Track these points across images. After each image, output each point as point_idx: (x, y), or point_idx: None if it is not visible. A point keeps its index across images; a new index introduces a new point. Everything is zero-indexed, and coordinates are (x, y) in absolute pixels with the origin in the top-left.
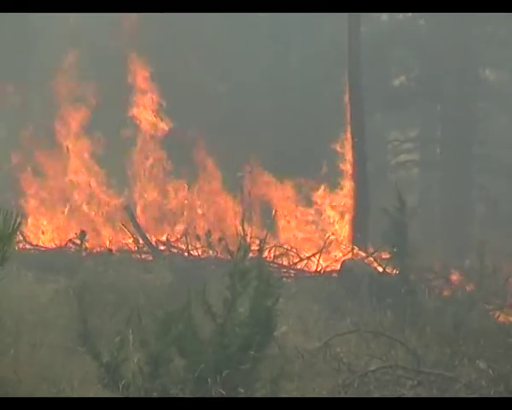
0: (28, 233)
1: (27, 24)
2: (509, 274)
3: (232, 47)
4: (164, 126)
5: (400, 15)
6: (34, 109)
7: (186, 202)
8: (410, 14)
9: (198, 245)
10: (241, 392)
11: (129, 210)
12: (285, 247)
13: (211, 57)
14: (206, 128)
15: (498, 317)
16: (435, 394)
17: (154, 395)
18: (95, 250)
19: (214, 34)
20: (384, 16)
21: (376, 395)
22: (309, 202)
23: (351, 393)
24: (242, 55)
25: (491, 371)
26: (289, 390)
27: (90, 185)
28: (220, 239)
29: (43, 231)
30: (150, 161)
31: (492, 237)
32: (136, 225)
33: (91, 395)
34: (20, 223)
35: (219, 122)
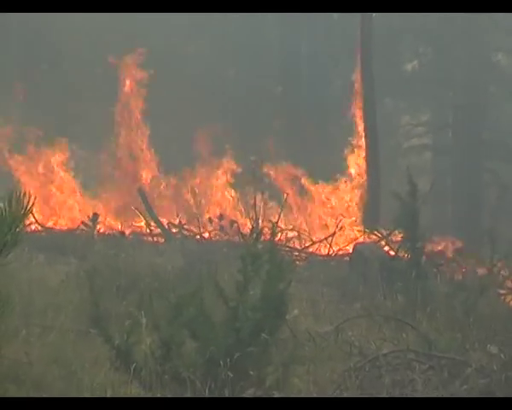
0: (40, 215)
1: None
2: None
3: (243, 35)
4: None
5: None
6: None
7: (197, 189)
8: None
9: (210, 228)
10: (252, 376)
11: (142, 193)
12: (297, 230)
13: (223, 45)
14: (220, 115)
15: (510, 301)
16: (446, 377)
17: (166, 377)
18: (107, 233)
19: (227, 23)
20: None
21: (387, 380)
22: (321, 187)
23: (362, 376)
24: (254, 44)
25: (502, 355)
26: (300, 374)
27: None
28: (232, 222)
29: (55, 212)
30: (164, 145)
31: (503, 222)
32: (149, 208)
33: (102, 377)
34: (32, 204)
35: (233, 109)
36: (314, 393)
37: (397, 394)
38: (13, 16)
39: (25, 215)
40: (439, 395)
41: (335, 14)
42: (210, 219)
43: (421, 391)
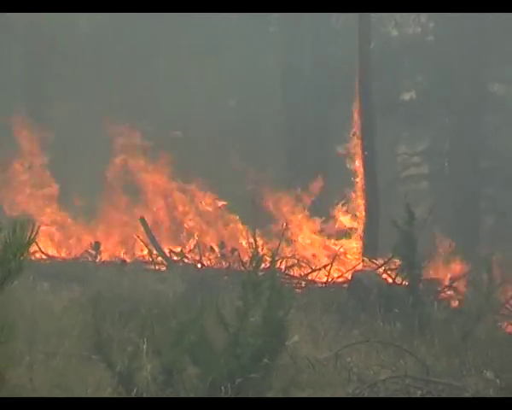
0: (43, 244)
1: None
2: None
3: (242, 56)
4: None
5: (410, 30)
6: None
7: (199, 217)
8: (419, 29)
9: (211, 256)
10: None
11: (144, 222)
12: (296, 258)
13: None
14: (216, 142)
15: (506, 327)
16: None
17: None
18: (109, 260)
19: (226, 45)
20: (394, 31)
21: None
22: (321, 215)
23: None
24: (252, 66)
25: (498, 381)
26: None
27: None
28: (233, 250)
29: (58, 241)
30: (164, 175)
31: (500, 249)
32: (151, 236)
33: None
34: (36, 233)
35: (229, 135)
36: None
37: None
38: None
39: (29, 244)
40: None
41: (335, 46)
42: (211, 247)
43: None
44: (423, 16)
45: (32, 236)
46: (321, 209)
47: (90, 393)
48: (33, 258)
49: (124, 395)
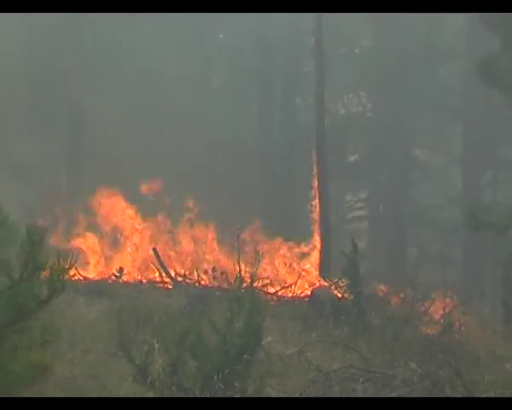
0: (81, 268)
1: None
2: (434, 299)
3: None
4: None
5: (354, 110)
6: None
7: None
8: (360, 108)
9: (206, 277)
10: (237, 386)
11: (156, 252)
12: (270, 278)
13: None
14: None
15: (425, 330)
16: (379, 387)
17: (173, 388)
18: (130, 281)
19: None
20: (342, 110)
21: (337, 389)
22: (289, 247)
23: (318, 387)
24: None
25: (420, 370)
26: (273, 385)
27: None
28: (222, 273)
29: (94, 264)
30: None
31: (421, 272)
32: (161, 263)
33: (126, 388)
34: (75, 260)
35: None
36: None
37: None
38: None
39: (69, 269)
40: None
41: (299, 122)
42: (205, 271)
43: (361, 397)
44: (364, 98)
45: (72, 262)
46: (289, 240)
47: (115, 381)
48: (73, 279)
49: (141, 383)
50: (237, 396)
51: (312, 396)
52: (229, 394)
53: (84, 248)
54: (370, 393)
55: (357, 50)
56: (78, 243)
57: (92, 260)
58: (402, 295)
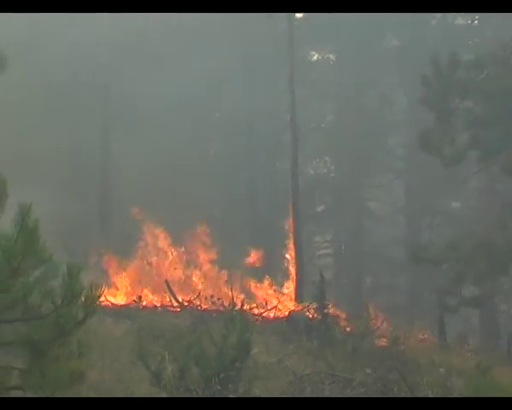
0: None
1: None
2: (384, 319)
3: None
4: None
5: (321, 171)
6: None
7: (201, 279)
8: (325, 170)
9: (206, 302)
10: (231, 387)
11: (167, 283)
12: (256, 303)
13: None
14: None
15: (377, 343)
16: (342, 387)
17: (181, 389)
18: (147, 305)
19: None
20: (311, 171)
21: (309, 390)
22: (270, 276)
23: (294, 388)
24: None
25: (373, 374)
26: (259, 386)
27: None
28: (219, 299)
29: (120, 292)
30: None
31: (375, 298)
32: (171, 291)
33: (144, 390)
34: (103, 290)
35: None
36: None
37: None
38: None
39: (99, 296)
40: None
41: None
42: (206, 297)
43: (327, 395)
44: (328, 162)
45: (102, 291)
46: (271, 273)
47: (136, 384)
48: (102, 304)
49: (156, 385)
50: (231, 396)
51: (290, 396)
52: (224, 393)
53: (113, 279)
54: (335, 393)
55: (323, 125)
56: (108, 275)
57: (119, 289)
58: (359, 316)
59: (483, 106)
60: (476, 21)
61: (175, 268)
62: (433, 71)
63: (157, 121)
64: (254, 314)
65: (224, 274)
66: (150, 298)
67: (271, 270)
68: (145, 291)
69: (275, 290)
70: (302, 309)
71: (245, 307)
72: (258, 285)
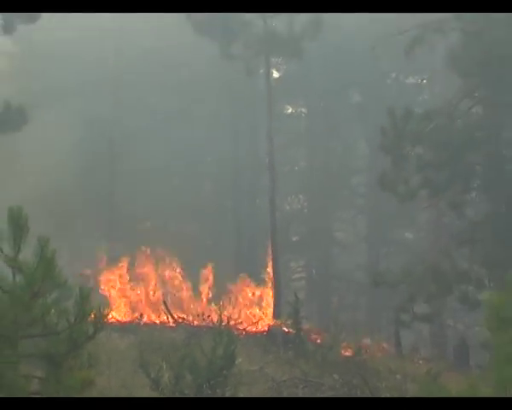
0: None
1: None
2: (349, 332)
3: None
4: None
5: (295, 207)
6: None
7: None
8: (299, 206)
9: (198, 319)
10: (219, 392)
11: (165, 303)
12: (240, 319)
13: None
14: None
15: (343, 353)
16: (313, 391)
17: (177, 394)
18: (147, 322)
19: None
20: (287, 207)
21: (285, 393)
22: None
23: (273, 392)
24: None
25: (340, 379)
26: (243, 391)
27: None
28: (208, 316)
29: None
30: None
31: (341, 315)
32: (168, 310)
33: (145, 394)
34: (110, 310)
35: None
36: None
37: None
38: None
39: (107, 315)
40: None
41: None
42: (197, 315)
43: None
44: (301, 199)
45: (108, 310)
46: (254, 295)
47: (138, 389)
48: (109, 321)
49: (155, 390)
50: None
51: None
52: (213, 397)
53: (118, 298)
54: (307, 395)
55: (296, 168)
56: (115, 294)
57: (123, 308)
58: (328, 330)
59: (431, 152)
60: (425, 81)
61: (173, 291)
62: (389, 122)
63: (158, 164)
64: (238, 329)
65: (213, 295)
66: (150, 316)
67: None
68: (146, 310)
69: (257, 309)
70: (280, 325)
71: (230, 323)
72: (243, 303)
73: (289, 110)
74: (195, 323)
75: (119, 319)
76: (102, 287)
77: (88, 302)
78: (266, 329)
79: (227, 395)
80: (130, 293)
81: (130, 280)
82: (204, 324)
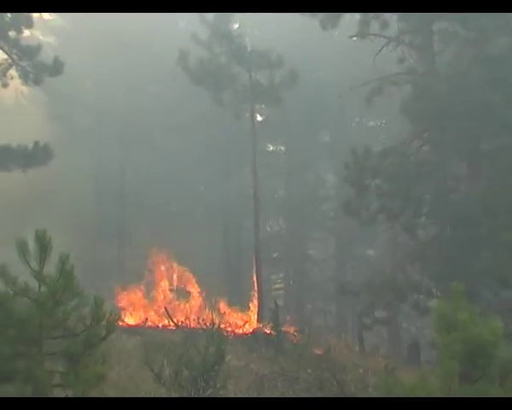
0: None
1: None
2: (320, 334)
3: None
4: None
5: (275, 229)
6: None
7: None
8: (278, 228)
9: (194, 322)
10: (211, 384)
11: (166, 310)
12: (230, 322)
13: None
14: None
15: (316, 351)
16: (291, 383)
17: (175, 386)
18: (152, 325)
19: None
20: (268, 228)
21: (267, 385)
22: (240, 305)
23: (257, 384)
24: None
25: (313, 374)
26: (232, 383)
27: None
28: (203, 320)
29: (131, 314)
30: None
31: (313, 319)
32: (169, 315)
33: (149, 386)
34: (120, 314)
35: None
36: (238, 392)
37: (270, 394)
38: None
39: (117, 319)
40: (289, 393)
41: (245, 239)
42: (194, 319)
43: (280, 391)
44: (281, 222)
45: (119, 315)
46: (241, 301)
47: (144, 383)
48: (119, 324)
49: (157, 383)
50: (209, 391)
51: (254, 390)
52: (206, 389)
53: (127, 305)
54: (285, 387)
55: (276, 196)
56: (123, 302)
57: (131, 314)
58: (302, 332)
59: (388, 183)
60: (383, 124)
61: (174, 300)
62: (353, 159)
63: (159, 192)
64: (228, 331)
65: (207, 302)
66: (154, 320)
67: (241, 299)
68: (150, 314)
69: (243, 314)
70: (262, 327)
71: (221, 326)
72: (231, 310)
73: (270, 148)
74: (192, 326)
75: (128, 322)
76: (114, 297)
77: (101, 309)
78: (251, 331)
79: (218, 386)
80: (137, 301)
81: (137, 290)
82: (199, 327)
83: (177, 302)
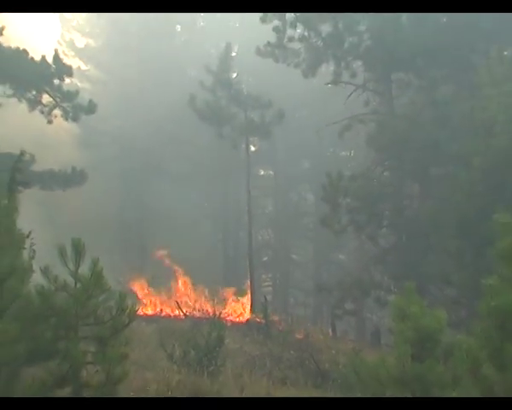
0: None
1: None
2: (301, 322)
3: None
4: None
5: (265, 238)
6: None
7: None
8: (267, 237)
9: (199, 312)
10: (213, 362)
11: (177, 302)
12: (227, 311)
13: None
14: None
15: (297, 337)
16: (276, 362)
17: (185, 364)
18: (166, 314)
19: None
20: (260, 237)
21: (257, 363)
22: (236, 296)
23: (250, 363)
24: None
25: (294, 354)
26: (230, 361)
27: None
28: (206, 310)
29: (150, 306)
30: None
31: (296, 311)
32: (179, 306)
33: (163, 364)
34: (139, 305)
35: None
36: (235, 369)
37: (260, 370)
38: None
39: (137, 309)
40: (275, 369)
41: (241, 245)
42: (199, 310)
43: (269, 368)
44: (270, 233)
45: (138, 308)
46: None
47: (158, 360)
48: (139, 314)
49: (170, 362)
50: (210, 369)
51: (247, 368)
52: (210, 367)
53: (145, 297)
54: (272, 365)
55: (266, 211)
56: (144, 295)
57: (149, 304)
58: (286, 321)
59: (356, 201)
60: (352, 153)
61: (184, 294)
62: (328, 181)
63: (170, 210)
64: (227, 319)
65: (210, 296)
66: (167, 311)
67: (237, 294)
68: (164, 307)
69: (239, 304)
70: (254, 317)
71: (221, 316)
72: (230, 300)
73: (262, 172)
74: (198, 316)
75: (147, 312)
76: (135, 291)
77: (124, 302)
78: (245, 320)
79: (218, 364)
80: (154, 296)
81: (153, 287)
82: (204, 316)
83: (186, 298)
